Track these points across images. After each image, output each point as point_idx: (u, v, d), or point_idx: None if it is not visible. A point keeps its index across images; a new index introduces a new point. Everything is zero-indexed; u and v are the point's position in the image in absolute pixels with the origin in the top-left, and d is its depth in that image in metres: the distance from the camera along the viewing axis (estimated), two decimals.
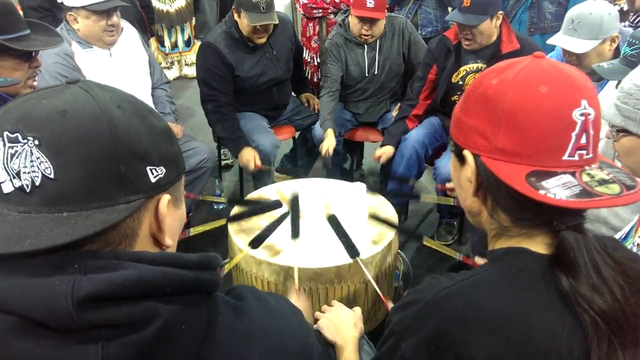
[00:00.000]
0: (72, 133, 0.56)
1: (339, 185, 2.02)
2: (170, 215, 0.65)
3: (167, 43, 4.98)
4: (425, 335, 0.69)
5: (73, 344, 0.53)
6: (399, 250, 1.82)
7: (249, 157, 2.55)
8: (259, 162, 2.56)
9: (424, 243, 1.68)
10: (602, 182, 0.66)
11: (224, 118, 2.62)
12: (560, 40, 1.97)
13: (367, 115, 2.96)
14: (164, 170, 0.62)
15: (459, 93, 2.48)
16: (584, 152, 0.67)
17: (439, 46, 2.48)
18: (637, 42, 1.58)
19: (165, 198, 0.63)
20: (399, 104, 2.86)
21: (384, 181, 3.01)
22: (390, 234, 1.67)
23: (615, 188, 0.65)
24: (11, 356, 0.52)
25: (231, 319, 0.65)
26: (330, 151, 2.64)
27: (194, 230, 1.70)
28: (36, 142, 0.55)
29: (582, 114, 0.66)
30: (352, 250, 1.55)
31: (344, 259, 1.53)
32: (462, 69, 2.43)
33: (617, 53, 1.96)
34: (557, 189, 0.64)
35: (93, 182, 0.56)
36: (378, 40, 2.73)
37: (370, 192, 1.86)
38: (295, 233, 1.61)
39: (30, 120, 0.56)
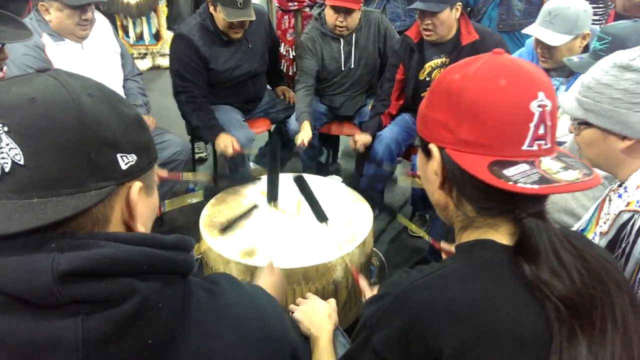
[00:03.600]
0: (41, 120, 0.56)
1: (314, 180, 2.03)
2: (142, 202, 0.66)
3: (131, 34, 4.89)
4: (395, 327, 0.71)
5: (54, 319, 0.54)
6: (373, 248, 1.84)
7: (227, 142, 2.50)
8: (237, 146, 2.51)
9: (399, 220, 1.68)
10: (560, 169, 0.70)
11: (198, 108, 2.59)
12: (536, 30, 2.00)
13: (343, 108, 2.97)
14: (135, 157, 0.63)
15: (427, 89, 2.50)
16: (542, 142, 0.71)
17: (402, 46, 2.52)
18: (606, 37, 1.61)
19: (137, 185, 0.64)
20: (373, 105, 2.89)
21: (359, 174, 3.03)
22: (364, 232, 1.68)
23: (572, 175, 0.69)
24: None
25: (205, 301, 0.67)
26: (306, 142, 2.63)
27: (169, 204, 1.69)
28: (5, 128, 0.55)
29: (539, 106, 0.70)
30: (321, 215, 1.53)
31: (312, 260, 1.54)
32: (427, 65, 2.47)
33: (585, 50, 2.00)
34: (518, 177, 0.67)
35: (63, 168, 0.57)
36: (354, 34, 2.74)
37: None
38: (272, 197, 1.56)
39: None
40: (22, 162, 0.55)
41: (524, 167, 0.69)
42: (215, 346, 0.65)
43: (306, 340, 1.21)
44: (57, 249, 0.56)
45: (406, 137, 2.62)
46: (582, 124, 1.12)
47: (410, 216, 2.88)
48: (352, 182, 1.97)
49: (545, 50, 1.99)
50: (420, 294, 0.71)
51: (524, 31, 2.10)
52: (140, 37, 4.98)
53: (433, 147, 0.76)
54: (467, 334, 0.67)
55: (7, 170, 0.56)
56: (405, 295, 0.72)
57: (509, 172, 0.68)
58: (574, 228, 1.28)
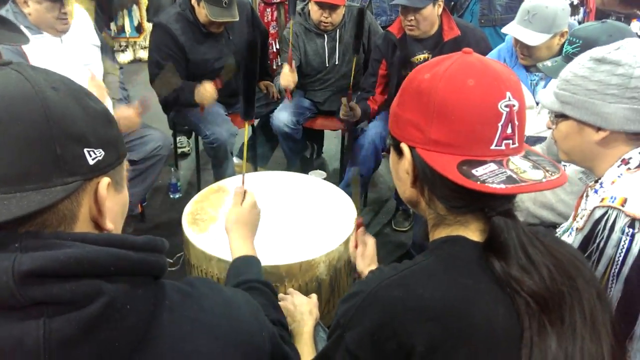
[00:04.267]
0: (3, 114, 0.55)
1: (298, 178, 2.02)
2: (111, 199, 0.65)
3: (112, 26, 4.82)
4: (368, 325, 0.71)
5: (14, 321, 0.53)
6: None
7: (206, 88, 2.45)
8: (215, 86, 2.46)
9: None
10: (528, 169, 0.71)
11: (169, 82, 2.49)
12: (515, 30, 2.02)
13: (328, 103, 2.97)
14: (103, 152, 0.62)
15: None
16: (510, 141, 0.72)
17: (384, 42, 2.52)
18: (577, 40, 1.63)
19: (105, 181, 0.63)
20: (359, 94, 2.89)
21: (343, 169, 3.03)
22: (348, 229, 1.68)
23: (539, 174, 0.71)
24: None
25: (179, 304, 0.66)
26: (291, 85, 2.60)
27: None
28: None
29: (507, 105, 0.71)
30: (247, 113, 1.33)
31: (295, 257, 1.53)
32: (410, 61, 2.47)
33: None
34: (486, 177, 0.68)
35: (27, 163, 0.56)
36: (338, 30, 2.73)
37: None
38: None
39: None
40: None
41: (493, 166, 0.70)
42: (187, 349, 0.64)
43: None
44: (20, 248, 0.54)
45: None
46: (558, 116, 1.14)
47: (394, 211, 2.89)
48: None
49: (525, 48, 2.01)
50: (391, 291, 0.71)
51: (503, 30, 2.12)
52: (121, 30, 4.91)
53: (404, 147, 0.77)
54: (438, 331, 0.67)
55: None
56: (377, 292, 0.72)
57: (477, 171, 0.69)
58: (561, 227, 1.29)
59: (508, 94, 0.71)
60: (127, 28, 4.90)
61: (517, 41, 2.04)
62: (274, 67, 3.24)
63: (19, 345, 0.53)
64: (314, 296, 1.35)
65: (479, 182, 0.67)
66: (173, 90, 2.48)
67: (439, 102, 0.71)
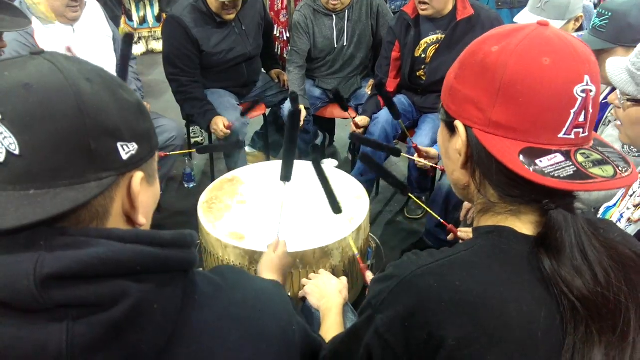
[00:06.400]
0: (37, 107, 0.53)
1: (310, 167, 2.02)
2: (144, 193, 0.64)
3: (135, 17, 4.85)
4: (400, 311, 0.68)
5: (37, 324, 0.52)
6: (370, 233, 1.85)
7: (217, 123, 2.52)
8: (227, 123, 2.53)
9: (409, 195, 1.68)
10: (597, 163, 0.64)
11: (189, 97, 2.59)
12: (527, 19, 1.98)
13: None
14: (136, 146, 0.61)
15: (423, 67, 2.51)
16: (581, 130, 0.65)
17: (398, 22, 2.50)
18: (606, 12, 1.56)
19: (138, 175, 0.62)
20: (370, 80, 2.87)
21: (355, 157, 3.03)
22: (362, 215, 1.68)
23: (609, 170, 0.64)
24: None
25: (209, 298, 0.65)
26: (300, 123, 2.62)
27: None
28: None
29: (583, 91, 0.63)
30: (336, 207, 1.47)
31: (309, 244, 1.54)
32: (422, 41, 2.46)
33: (579, 31, 1.99)
34: (551, 169, 0.62)
35: (61, 158, 0.54)
36: (347, 11, 2.72)
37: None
38: (286, 175, 1.47)
39: None
40: (17, 152, 0.52)
41: (559, 157, 0.63)
42: (217, 348, 0.63)
43: (316, 311, 1.25)
44: (45, 247, 0.53)
45: (402, 119, 2.61)
46: (631, 100, 1.02)
47: (407, 199, 2.88)
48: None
49: None
50: (427, 280, 0.67)
51: (515, 20, 2.08)
52: (143, 20, 4.94)
53: (459, 125, 0.70)
54: (472, 327, 0.63)
55: (1, 160, 0.53)
56: (413, 279, 0.68)
57: (541, 162, 0.62)
58: (605, 208, 1.21)
59: (586, 77, 0.63)
60: (149, 18, 4.93)
61: None
62: (284, 55, 3.24)
63: (43, 350, 0.51)
64: (344, 279, 1.39)
65: (543, 175, 0.61)
66: (192, 109, 2.60)
67: (507, 80, 0.64)
